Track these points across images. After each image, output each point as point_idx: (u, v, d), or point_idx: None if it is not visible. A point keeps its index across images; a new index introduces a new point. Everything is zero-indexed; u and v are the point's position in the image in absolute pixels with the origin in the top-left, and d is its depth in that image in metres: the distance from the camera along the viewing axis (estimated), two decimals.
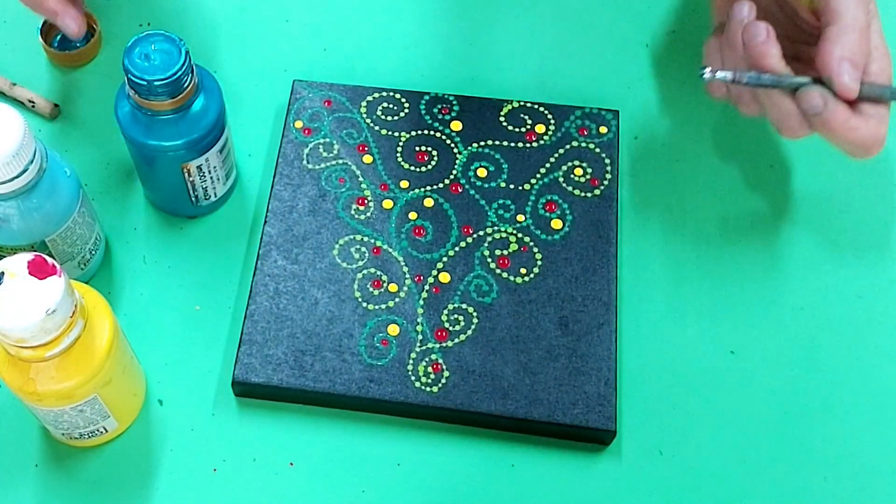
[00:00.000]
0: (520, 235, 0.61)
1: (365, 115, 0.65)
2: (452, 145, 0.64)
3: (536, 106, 0.66)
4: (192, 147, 0.57)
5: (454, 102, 0.66)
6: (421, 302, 0.59)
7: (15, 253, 0.48)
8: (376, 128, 0.65)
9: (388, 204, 0.62)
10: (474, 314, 0.59)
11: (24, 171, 0.51)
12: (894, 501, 0.56)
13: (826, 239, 0.64)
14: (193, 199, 0.61)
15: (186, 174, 0.59)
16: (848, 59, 0.54)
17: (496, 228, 0.62)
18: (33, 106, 0.67)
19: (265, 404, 0.58)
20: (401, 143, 0.65)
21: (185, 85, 0.55)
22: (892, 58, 0.57)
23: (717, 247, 0.63)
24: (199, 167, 0.59)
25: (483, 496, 0.56)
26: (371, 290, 0.59)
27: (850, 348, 0.60)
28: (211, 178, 0.60)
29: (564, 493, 0.56)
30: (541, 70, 0.70)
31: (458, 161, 0.64)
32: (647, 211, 0.64)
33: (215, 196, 0.62)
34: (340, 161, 0.64)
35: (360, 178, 0.63)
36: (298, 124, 0.65)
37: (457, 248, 0.61)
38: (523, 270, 0.60)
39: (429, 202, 0.63)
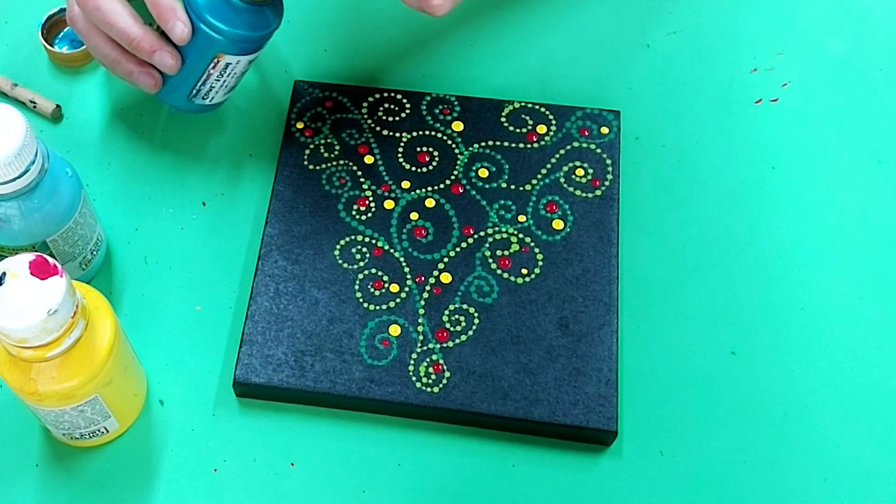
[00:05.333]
0: (521, 236, 0.61)
1: (366, 116, 0.65)
2: (453, 146, 0.65)
3: (537, 106, 0.66)
4: (244, 42, 0.58)
5: (455, 103, 0.66)
6: (422, 302, 0.59)
7: (16, 253, 0.48)
8: (377, 128, 0.65)
9: (389, 204, 0.62)
10: (475, 315, 0.59)
11: (26, 171, 0.51)
12: (894, 502, 0.56)
13: (826, 239, 0.64)
14: (194, 91, 0.61)
15: (212, 65, 0.59)
16: None
17: (497, 229, 0.62)
18: (35, 106, 0.67)
19: (266, 405, 0.58)
20: (402, 144, 0.65)
21: None
22: None
23: (717, 247, 0.63)
24: (227, 65, 0.59)
25: (484, 497, 0.56)
26: (372, 290, 0.59)
27: (850, 348, 0.60)
28: (224, 81, 0.61)
29: (565, 494, 0.56)
30: (542, 70, 0.70)
31: (459, 161, 0.64)
32: (648, 211, 0.64)
33: (210, 100, 0.62)
34: (342, 161, 0.64)
35: (362, 179, 0.63)
36: (300, 125, 0.65)
37: (458, 249, 0.61)
38: (524, 271, 0.60)
39: (430, 203, 0.63)
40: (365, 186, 0.63)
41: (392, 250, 0.61)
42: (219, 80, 0.61)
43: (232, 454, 0.57)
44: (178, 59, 0.59)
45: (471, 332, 0.58)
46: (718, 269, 0.62)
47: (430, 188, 0.63)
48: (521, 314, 0.59)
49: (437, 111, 0.66)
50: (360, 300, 0.59)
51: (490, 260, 0.61)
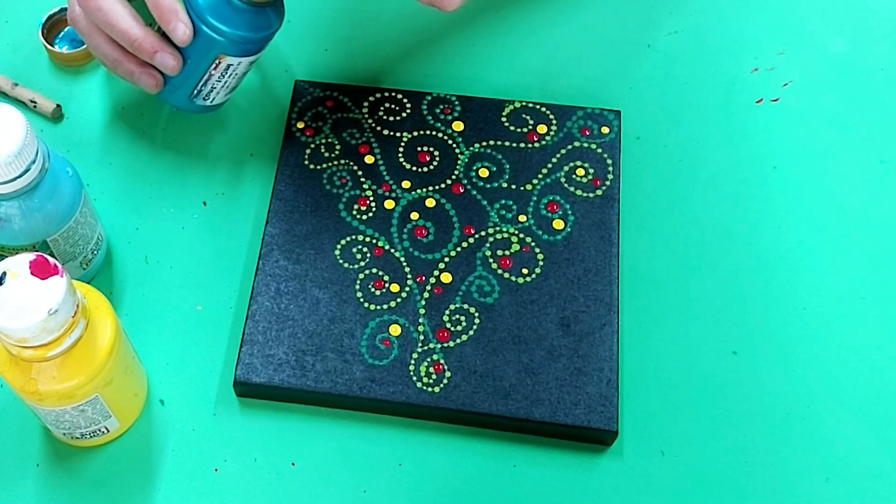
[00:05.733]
0: (521, 236, 0.61)
1: (367, 116, 0.65)
2: (454, 145, 0.64)
3: (538, 106, 0.66)
4: (245, 43, 0.58)
5: (456, 102, 0.66)
6: (422, 302, 0.59)
7: (17, 253, 0.47)
8: (378, 128, 0.65)
9: (389, 204, 0.62)
10: (476, 314, 0.59)
11: (27, 171, 0.51)
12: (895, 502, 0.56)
13: (826, 239, 0.64)
14: (195, 92, 0.61)
15: (213, 66, 0.59)
16: None
17: (498, 229, 0.62)
18: (35, 106, 0.67)
19: (267, 404, 0.58)
20: (402, 144, 0.64)
21: None
22: None
23: (718, 247, 0.63)
24: (228, 66, 0.59)
25: (485, 496, 0.56)
26: (372, 290, 0.59)
27: (850, 348, 0.60)
28: (225, 82, 0.61)
29: (566, 494, 0.56)
30: (543, 70, 0.70)
31: (459, 161, 0.64)
32: (648, 211, 0.64)
33: (211, 101, 0.62)
34: (342, 161, 0.64)
35: (362, 179, 0.63)
36: (300, 124, 0.65)
37: (458, 249, 0.61)
38: (525, 271, 0.60)
39: (430, 202, 0.62)
40: (365, 186, 0.63)
41: (393, 250, 0.61)
42: (220, 81, 0.61)
43: (232, 454, 0.57)
44: (179, 60, 0.59)
45: (471, 332, 0.58)
46: (720, 269, 0.62)
47: (430, 188, 0.63)
48: (522, 314, 0.59)
49: (438, 111, 0.66)
50: (361, 300, 0.59)
51: (491, 260, 0.61)
